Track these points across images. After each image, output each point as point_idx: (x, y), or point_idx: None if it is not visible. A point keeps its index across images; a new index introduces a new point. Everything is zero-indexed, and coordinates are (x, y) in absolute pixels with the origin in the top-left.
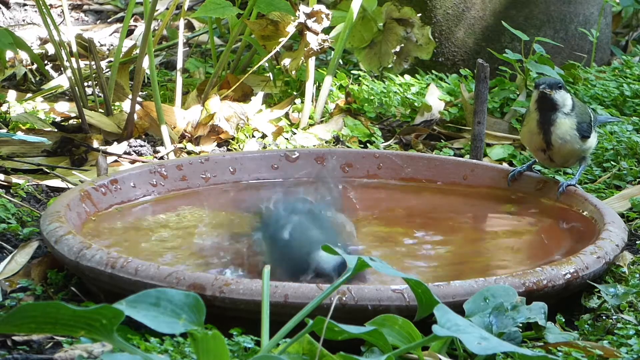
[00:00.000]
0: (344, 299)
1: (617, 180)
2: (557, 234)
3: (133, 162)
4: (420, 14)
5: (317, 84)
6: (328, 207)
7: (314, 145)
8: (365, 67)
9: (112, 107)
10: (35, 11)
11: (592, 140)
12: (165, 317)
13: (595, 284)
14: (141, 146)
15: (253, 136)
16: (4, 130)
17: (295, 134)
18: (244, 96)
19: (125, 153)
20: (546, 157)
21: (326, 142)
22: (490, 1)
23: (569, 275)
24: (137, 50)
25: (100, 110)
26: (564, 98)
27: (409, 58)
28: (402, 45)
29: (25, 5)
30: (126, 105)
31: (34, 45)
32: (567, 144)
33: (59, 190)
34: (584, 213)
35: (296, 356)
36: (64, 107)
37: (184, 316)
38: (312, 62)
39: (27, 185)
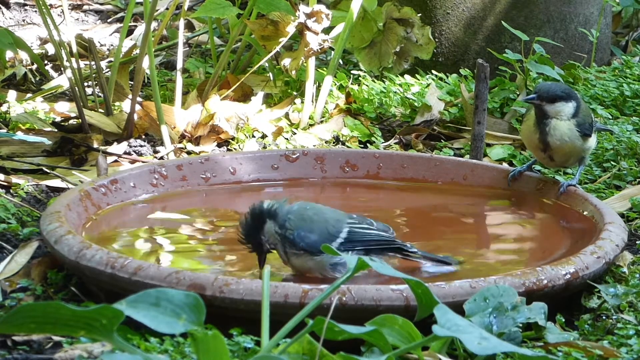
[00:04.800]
0: (344, 299)
1: (617, 180)
2: (557, 234)
3: (133, 162)
4: (420, 14)
5: (317, 84)
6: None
7: (314, 145)
8: (365, 67)
9: (112, 107)
10: (35, 11)
11: (592, 141)
12: (165, 317)
13: (595, 284)
14: (141, 146)
15: (253, 136)
16: (4, 130)
17: (295, 134)
18: (244, 96)
19: (125, 153)
20: (546, 156)
21: (326, 142)
22: (490, 1)
23: (569, 275)
24: (137, 50)
25: (100, 110)
26: (558, 110)
27: (409, 58)
28: (402, 45)
29: (25, 5)
30: (126, 105)
31: (34, 45)
32: (567, 143)
33: (59, 190)
34: (584, 213)
35: (296, 356)
36: (64, 107)
37: (184, 316)
38: (312, 62)
39: (27, 185)
